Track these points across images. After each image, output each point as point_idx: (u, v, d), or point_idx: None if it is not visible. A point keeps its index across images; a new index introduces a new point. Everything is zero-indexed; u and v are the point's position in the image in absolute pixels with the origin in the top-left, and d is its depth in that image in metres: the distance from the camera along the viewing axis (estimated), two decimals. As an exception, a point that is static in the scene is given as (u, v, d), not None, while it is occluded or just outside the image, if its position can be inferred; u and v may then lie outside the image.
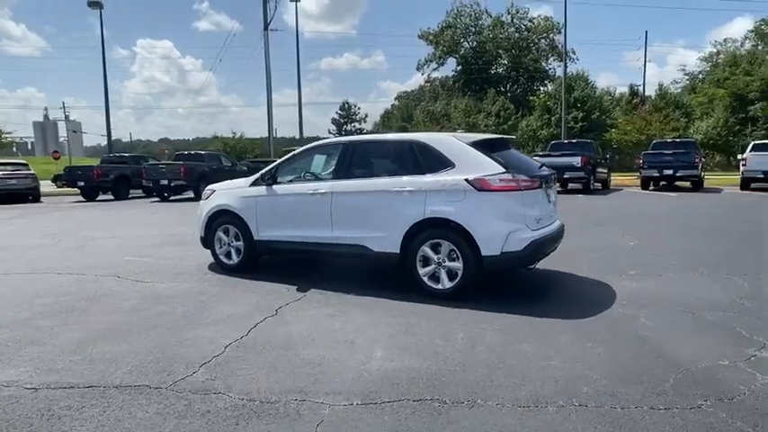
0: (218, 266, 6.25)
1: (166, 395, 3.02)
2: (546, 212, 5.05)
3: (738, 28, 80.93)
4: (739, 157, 18.80)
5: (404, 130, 38.98)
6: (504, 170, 4.64)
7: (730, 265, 6.14)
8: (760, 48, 50.95)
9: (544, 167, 5.42)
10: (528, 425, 2.64)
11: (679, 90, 48.34)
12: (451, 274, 4.78)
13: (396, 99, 67.16)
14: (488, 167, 4.68)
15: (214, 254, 6.25)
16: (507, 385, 3.08)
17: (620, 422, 2.65)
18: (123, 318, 4.49)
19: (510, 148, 5.40)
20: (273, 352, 3.67)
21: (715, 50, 54.22)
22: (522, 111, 41.01)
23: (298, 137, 36.78)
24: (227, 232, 6.12)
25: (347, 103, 40.63)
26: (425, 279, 4.88)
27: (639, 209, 13.25)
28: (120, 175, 18.88)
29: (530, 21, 54.03)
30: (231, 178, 18.60)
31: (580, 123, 35.86)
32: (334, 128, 57.48)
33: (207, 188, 6.60)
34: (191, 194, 18.54)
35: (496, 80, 52.22)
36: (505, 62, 54.18)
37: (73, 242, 8.83)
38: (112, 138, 33.20)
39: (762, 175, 16.21)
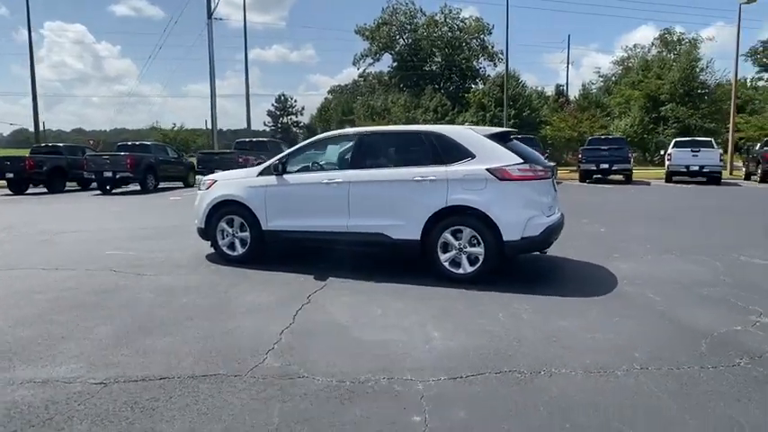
0: (217, 258, 6.11)
1: (250, 382, 3.01)
2: (554, 201, 5.42)
3: (643, 35, 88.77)
4: (662, 152, 20.66)
5: (344, 123, 39.00)
6: (521, 161, 4.93)
7: (696, 248, 6.87)
8: (664, 54, 55.69)
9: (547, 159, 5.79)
10: (606, 387, 2.93)
11: (594, 91, 52.01)
12: (472, 259, 5.01)
13: (329, 93, 66.88)
14: (506, 158, 4.96)
15: (216, 245, 6.10)
16: (569, 356, 3.36)
17: (683, 380, 3.00)
18: (148, 311, 4.33)
19: (513, 141, 5.71)
20: (332, 337, 3.73)
21: (626, 55, 58.75)
22: (456, 107, 42.25)
23: (236, 128, 35.67)
24: (230, 223, 6.00)
25: (284, 95, 40.18)
26: (446, 264, 5.09)
27: (591, 200, 14.21)
28: (55, 166, 17.42)
29: (461, 21, 55.71)
30: (177, 170, 17.79)
31: (513, 120, 37.53)
32: (269, 120, 56.18)
33: (206, 178, 6.43)
34: (135, 187, 17.57)
35: (431, 77, 53.36)
36: (439, 60, 55.50)
37: (34, 237, 8.19)
38: (19, 127, 30.50)
39: (684, 169, 17.95)
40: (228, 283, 5.21)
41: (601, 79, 56.80)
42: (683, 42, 55.81)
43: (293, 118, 56.23)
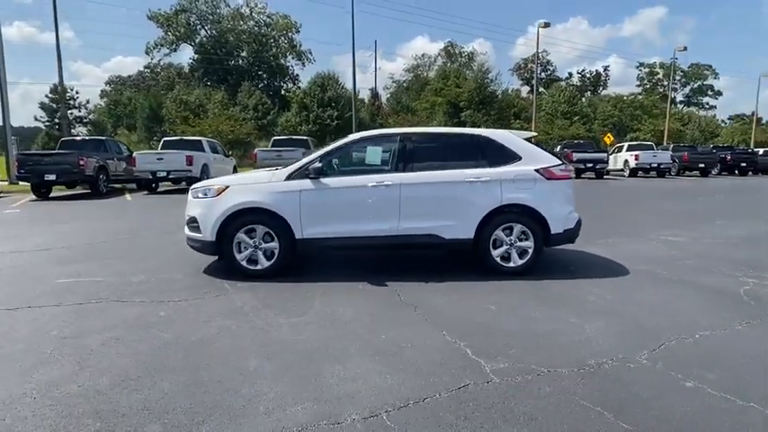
0: (219, 274, 5.34)
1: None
2: None
3: (420, 44, 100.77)
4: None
5: (154, 120, 34.97)
6: (560, 162, 5.56)
7: (649, 231, 8.44)
8: (449, 64, 63.58)
9: None
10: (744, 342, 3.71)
11: (389, 94, 56.95)
12: (521, 253, 5.46)
13: (106, 84, 58.56)
14: (548, 159, 5.53)
15: (232, 260, 5.31)
16: (686, 323, 4.06)
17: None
18: (277, 344, 3.72)
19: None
20: (495, 335, 3.77)
21: (416, 63, 65.57)
22: (276, 106, 41.71)
23: None
24: (250, 233, 5.31)
25: (61, 85, 31.92)
26: (498, 259, 5.43)
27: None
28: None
29: (268, 17, 54.92)
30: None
31: (336, 122, 38.73)
32: (42, 114, 47.03)
33: (211, 183, 5.51)
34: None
35: (239, 73, 51.41)
36: (246, 55, 53.81)
37: None
38: None
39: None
40: (299, 301, 4.67)
41: (394, 84, 62.21)
42: (463, 55, 64.65)
43: (75, 112, 48.04)
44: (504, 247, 5.42)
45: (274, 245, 5.29)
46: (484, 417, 2.66)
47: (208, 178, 15.94)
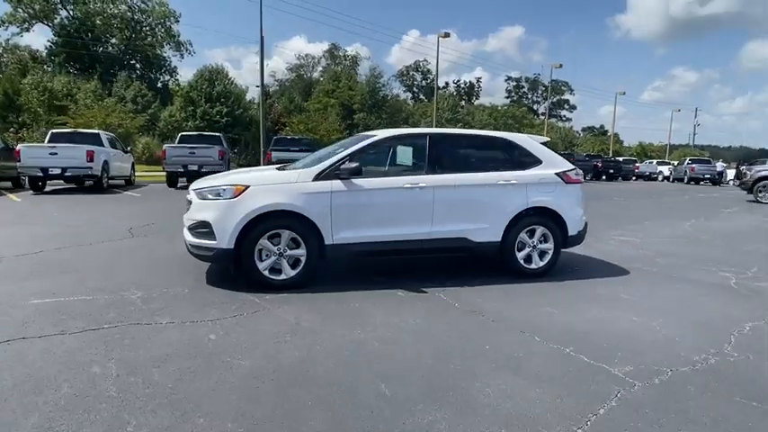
0: (228, 285, 4.71)
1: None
2: None
3: (298, 45, 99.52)
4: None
5: (9, 108, 29.78)
6: (573, 166, 5.78)
7: (597, 232, 9.01)
8: (333, 66, 63.78)
9: None
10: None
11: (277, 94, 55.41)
12: (542, 255, 5.58)
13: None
14: (564, 164, 5.72)
15: (253, 270, 4.68)
16: (727, 315, 4.46)
17: None
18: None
19: None
20: (585, 338, 3.79)
21: (299, 63, 64.82)
22: (158, 99, 38.31)
23: None
24: (274, 239, 4.74)
25: None
26: (522, 261, 5.49)
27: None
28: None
29: (143, 2, 50.31)
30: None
31: (225, 119, 36.66)
32: None
33: (223, 183, 4.78)
34: None
35: (109, 61, 46.37)
36: (117, 42, 48.72)
37: None
38: None
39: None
40: (353, 312, 4.26)
41: (276, 83, 60.63)
42: (347, 58, 65.24)
43: None
44: (528, 250, 5.49)
45: (300, 252, 4.78)
46: (669, 421, 2.63)
47: (108, 176, 14.31)
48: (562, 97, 77.71)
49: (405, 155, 5.24)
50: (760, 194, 15.48)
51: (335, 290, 4.79)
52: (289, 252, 4.76)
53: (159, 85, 46.79)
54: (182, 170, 15.26)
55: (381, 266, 5.78)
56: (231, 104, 37.36)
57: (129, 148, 17.44)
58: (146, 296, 4.46)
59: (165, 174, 15.95)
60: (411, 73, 67.46)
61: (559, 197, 5.52)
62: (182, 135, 17.14)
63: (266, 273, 4.72)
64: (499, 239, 5.33)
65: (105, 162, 13.89)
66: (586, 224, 5.92)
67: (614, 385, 3.02)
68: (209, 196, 4.74)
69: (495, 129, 55.62)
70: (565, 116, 78.81)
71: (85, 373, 2.98)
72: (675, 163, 38.97)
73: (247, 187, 4.68)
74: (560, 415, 2.66)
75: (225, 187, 4.70)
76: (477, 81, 73.19)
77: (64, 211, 10.03)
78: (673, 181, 33.84)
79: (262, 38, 24.07)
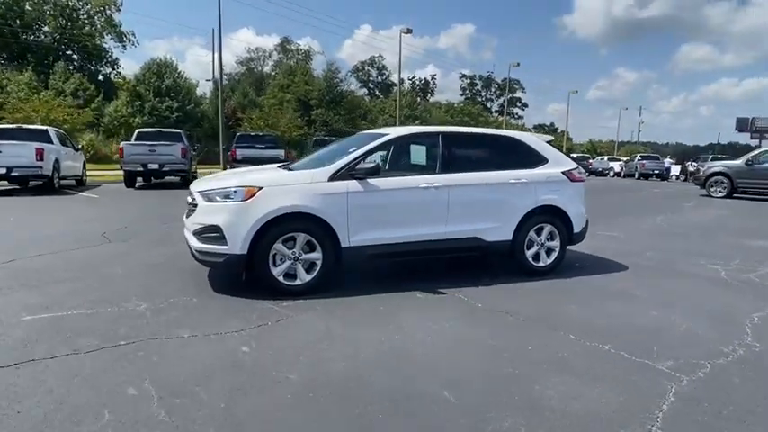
0: (239, 292, 4.48)
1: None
2: None
3: (245, 37, 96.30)
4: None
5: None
6: (576, 165, 5.87)
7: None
8: (285, 60, 62.77)
9: None
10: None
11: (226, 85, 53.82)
12: (549, 252, 5.64)
13: None
14: (568, 162, 5.79)
15: (267, 276, 4.46)
16: (736, 306, 4.66)
17: None
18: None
19: None
20: (618, 334, 3.84)
21: (249, 56, 63.46)
22: (101, 93, 36.31)
23: None
24: (288, 243, 4.54)
25: None
26: (531, 260, 5.53)
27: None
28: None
29: (81, -11, 47.45)
30: None
31: (176, 114, 35.29)
32: None
33: (232, 184, 4.52)
34: None
35: (42, 51, 43.50)
36: (50, 30, 45.74)
37: None
38: None
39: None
40: (381, 316, 4.13)
41: (226, 77, 58.93)
42: (300, 52, 64.32)
43: None
44: (536, 248, 5.53)
45: (316, 255, 4.61)
46: (730, 413, 2.69)
47: (59, 176, 13.35)
48: (514, 95, 79.79)
49: (418, 154, 5.15)
50: (712, 189, 16.41)
51: (351, 294, 4.65)
52: (304, 256, 4.57)
53: (100, 78, 44.32)
54: (141, 169, 14.48)
55: (385, 269, 5.67)
56: (182, 99, 36.05)
57: (80, 146, 16.39)
58: (153, 307, 4.16)
59: (122, 173, 15.10)
60: (366, 69, 67.25)
61: (565, 195, 5.59)
62: (139, 132, 16.27)
63: (281, 278, 4.51)
64: (510, 238, 5.34)
65: (56, 161, 12.97)
66: (587, 221, 6.03)
67: (665, 381, 3.07)
68: (218, 199, 4.48)
69: (452, 125, 56.54)
70: (517, 114, 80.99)
71: (122, 396, 2.72)
72: (625, 159, 40.71)
73: (260, 189, 4.45)
74: (629, 413, 2.67)
75: (236, 189, 4.45)
76: (432, 78, 74.03)
77: (21, 216, 9.28)
78: (624, 177, 35.37)
79: (220, 25, 23.25)
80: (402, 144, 5.28)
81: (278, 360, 3.22)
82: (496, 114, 76.28)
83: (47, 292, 4.48)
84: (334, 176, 4.66)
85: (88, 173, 16.57)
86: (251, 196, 4.41)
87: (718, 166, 16.76)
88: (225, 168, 22.92)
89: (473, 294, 4.76)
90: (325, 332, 3.73)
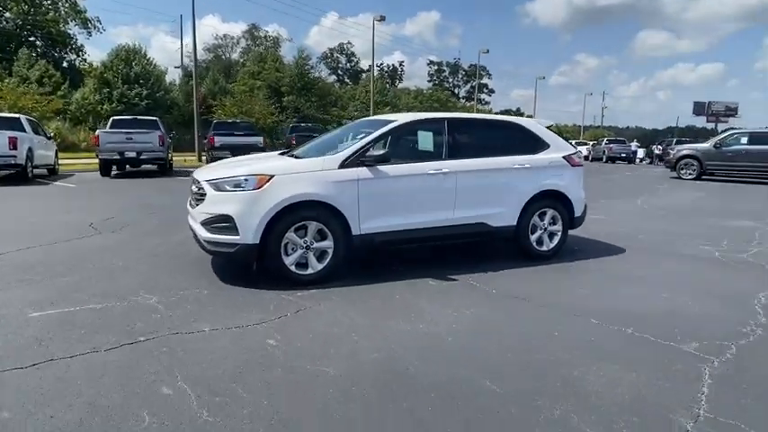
0: (246, 283, 4.38)
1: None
2: None
3: (211, 23, 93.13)
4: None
5: None
6: (576, 150, 5.90)
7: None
8: (254, 47, 61.54)
9: None
10: None
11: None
12: (551, 237, 5.67)
13: None
14: (568, 147, 5.82)
15: (279, 265, 4.36)
16: (740, 288, 4.79)
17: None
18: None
19: None
20: (641, 318, 3.90)
21: (216, 42, 61.88)
22: (67, 80, 34.85)
23: None
24: (299, 231, 4.43)
25: None
26: (534, 244, 5.56)
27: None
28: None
29: (39, -29, 45.25)
30: None
31: (146, 102, 34.17)
32: None
33: (242, 172, 4.36)
34: None
35: (5, 37, 41.42)
36: (12, 16, 43.56)
37: None
38: None
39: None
40: (401, 304, 4.07)
41: (191, 63, 57.29)
42: (269, 39, 63.07)
43: None
44: (539, 232, 5.55)
45: (327, 244, 4.51)
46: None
47: (32, 165, 12.75)
48: (481, 81, 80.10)
49: (426, 140, 5.07)
50: (682, 171, 16.87)
51: (363, 282, 4.59)
52: (315, 245, 4.47)
53: (65, 64, 42.55)
54: (118, 157, 13.98)
55: (390, 256, 5.61)
56: (151, 86, 34.88)
57: (52, 134, 15.71)
58: (164, 301, 4.01)
59: (97, 162, 14.56)
60: (336, 55, 66.43)
61: (566, 180, 5.63)
62: (114, 119, 15.68)
63: (293, 268, 4.41)
64: (515, 223, 5.35)
65: (29, 149, 12.40)
66: (586, 206, 6.09)
67: (697, 363, 3.11)
68: (228, 188, 4.32)
69: (421, 112, 56.49)
70: (484, 99, 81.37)
71: (157, 396, 2.60)
72: (592, 143, 41.44)
73: (272, 177, 4.31)
74: (673, 397, 2.69)
75: (247, 177, 4.31)
76: (400, 64, 73.71)
77: (-3, 207, 8.85)
78: (592, 161, 36.01)
79: (193, 9, 22.48)
80: (409, 130, 5.20)
81: (309, 353, 3.14)
82: (464, 100, 76.59)
83: (48, 287, 4.27)
84: (345, 163, 4.55)
85: (61, 162, 15.93)
86: (263, 185, 4.27)
87: (688, 149, 17.21)
88: (200, 156, 22.38)
89: (483, 280, 4.75)
90: (348, 323, 3.66)
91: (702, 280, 5.02)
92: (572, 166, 5.67)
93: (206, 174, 4.63)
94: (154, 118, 16.45)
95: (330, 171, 4.49)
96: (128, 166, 15.12)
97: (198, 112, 22.82)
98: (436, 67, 79.33)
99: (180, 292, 4.21)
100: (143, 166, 15.07)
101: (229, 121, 21.06)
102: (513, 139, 5.53)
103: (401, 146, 5.09)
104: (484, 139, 5.48)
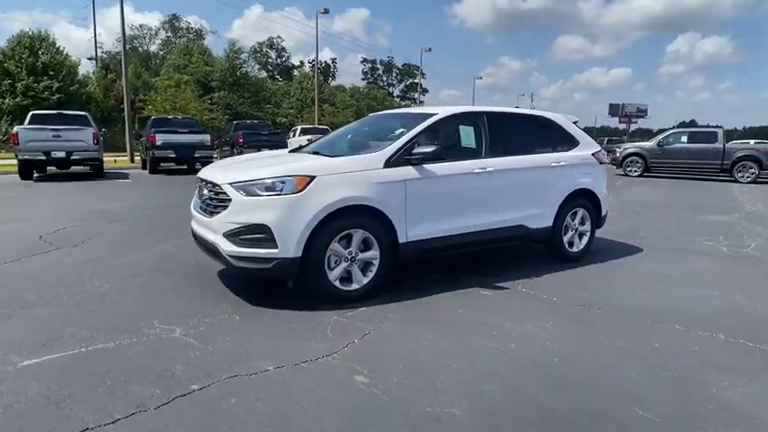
0: (276, 302, 3.75)
1: None
2: None
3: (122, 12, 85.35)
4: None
5: None
6: (600, 147, 5.70)
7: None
8: (174, 39, 58.40)
9: None
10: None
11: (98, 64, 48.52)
12: (581, 237, 5.44)
13: None
14: (594, 145, 5.61)
15: (323, 281, 3.74)
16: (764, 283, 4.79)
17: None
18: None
19: None
20: (709, 320, 3.70)
21: (132, 33, 57.85)
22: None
23: None
24: (344, 241, 3.84)
25: None
26: (567, 246, 5.29)
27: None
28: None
29: None
30: None
31: (58, 96, 31.06)
32: None
33: (275, 172, 3.67)
34: None
35: None
36: None
37: None
38: None
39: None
40: (467, 319, 3.60)
41: (106, 56, 53.21)
42: (191, 30, 59.99)
43: None
44: (570, 233, 5.30)
45: (372, 254, 3.96)
46: None
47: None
48: (415, 81, 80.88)
49: (468, 136, 4.63)
50: (628, 168, 17.65)
51: (407, 296, 4.07)
52: (360, 256, 3.90)
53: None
54: (44, 158, 12.28)
55: (418, 265, 5.11)
56: (63, 79, 31.73)
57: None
58: (192, 332, 3.29)
59: (15, 163, 12.75)
60: (265, 50, 64.13)
61: (596, 178, 5.43)
62: (34, 114, 13.78)
63: (337, 284, 3.81)
64: (551, 224, 5.06)
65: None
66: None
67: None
68: (261, 192, 3.63)
69: (358, 110, 55.90)
70: (418, 99, 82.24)
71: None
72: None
73: (313, 178, 3.68)
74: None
75: (284, 179, 3.64)
76: (333, 61, 72.56)
77: None
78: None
79: None
80: (452, 124, 4.74)
81: (414, 390, 2.62)
82: (398, 99, 77.02)
83: (27, 323, 3.38)
84: (390, 162, 4.01)
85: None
86: (303, 187, 3.63)
87: (634, 147, 18.07)
88: (133, 156, 20.52)
89: (534, 286, 4.42)
90: (429, 346, 3.16)
91: (729, 275, 5.00)
92: (599, 163, 5.46)
93: (224, 175, 3.90)
94: (83, 113, 14.68)
95: (374, 171, 3.93)
96: (47, 167, 13.29)
97: (128, 107, 20.81)
98: (370, 65, 78.97)
99: (206, 320, 3.49)
100: (72, 167, 13.41)
101: (170, 117, 19.36)
102: (545, 135, 5.25)
103: (442, 142, 4.60)
104: (520, 134, 5.10)
